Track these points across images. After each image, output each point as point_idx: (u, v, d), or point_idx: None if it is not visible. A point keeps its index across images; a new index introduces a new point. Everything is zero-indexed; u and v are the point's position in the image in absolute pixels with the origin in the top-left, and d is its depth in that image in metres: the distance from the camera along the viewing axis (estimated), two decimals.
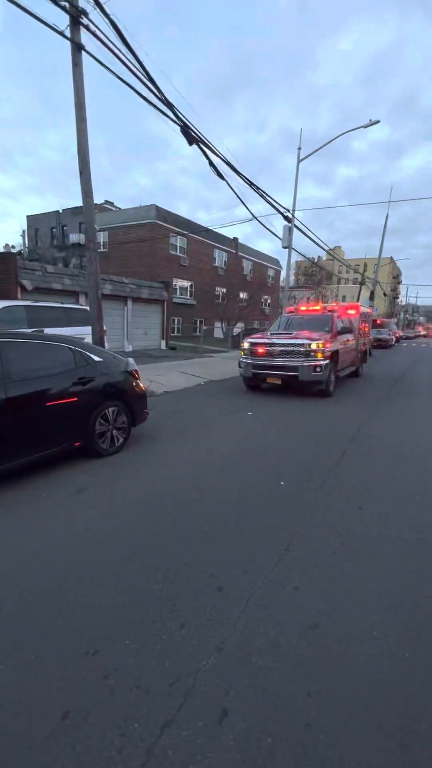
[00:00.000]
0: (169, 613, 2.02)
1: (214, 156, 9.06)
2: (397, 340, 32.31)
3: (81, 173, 6.87)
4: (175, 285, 24.78)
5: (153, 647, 1.81)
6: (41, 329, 8.49)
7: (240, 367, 8.68)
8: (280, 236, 15.02)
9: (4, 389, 3.44)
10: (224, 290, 28.72)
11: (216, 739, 1.41)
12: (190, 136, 8.28)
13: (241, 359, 8.62)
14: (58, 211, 30.67)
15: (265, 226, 14.83)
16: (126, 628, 1.92)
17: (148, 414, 5.11)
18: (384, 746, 1.40)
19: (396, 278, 72.08)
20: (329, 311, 9.56)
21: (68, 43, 6.27)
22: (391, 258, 53.19)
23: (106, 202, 33.60)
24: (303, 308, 10.38)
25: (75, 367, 4.15)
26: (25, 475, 3.76)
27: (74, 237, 27.96)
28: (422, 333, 55.89)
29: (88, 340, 7.05)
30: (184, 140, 8.36)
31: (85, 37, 6.33)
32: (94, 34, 6.17)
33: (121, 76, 6.55)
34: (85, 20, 6.15)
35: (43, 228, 31.33)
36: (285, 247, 15.09)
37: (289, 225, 14.65)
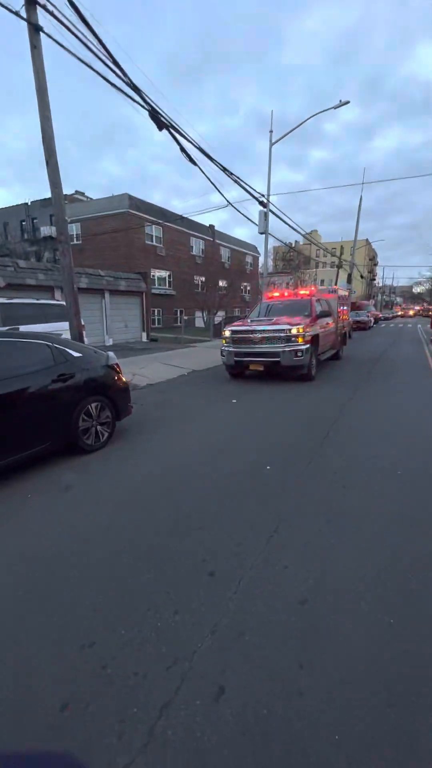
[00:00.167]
0: (163, 601, 2.05)
1: (186, 142, 8.89)
2: (376, 321, 32.89)
3: (47, 162, 6.63)
4: (153, 275, 24.42)
5: (148, 635, 1.84)
6: (16, 327, 8.27)
7: (222, 355, 8.69)
8: (257, 222, 14.94)
9: None
10: (203, 279, 28.51)
11: (214, 715, 1.47)
12: (160, 120, 8.07)
13: (223, 347, 8.62)
14: (27, 204, 29.51)
15: (240, 212, 14.74)
16: (121, 619, 1.94)
17: (132, 407, 5.08)
18: (372, 705, 1.48)
19: (372, 260, 73.00)
20: (308, 296, 9.63)
21: (25, 23, 5.97)
22: (367, 240, 53.70)
23: (77, 192, 32.55)
24: (279, 294, 10.41)
25: (54, 364, 4.07)
26: (11, 475, 3.70)
27: (45, 230, 27.04)
28: (399, 313, 57.06)
29: (67, 335, 6.92)
30: (153, 126, 8.16)
31: (43, 19, 6.04)
32: (52, 14, 5.89)
33: (83, 59, 6.29)
34: None
35: (13, 222, 30.15)
36: (261, 233, 15.04)
37: (265, 210, 14.57)
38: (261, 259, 33.80)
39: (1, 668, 1.70)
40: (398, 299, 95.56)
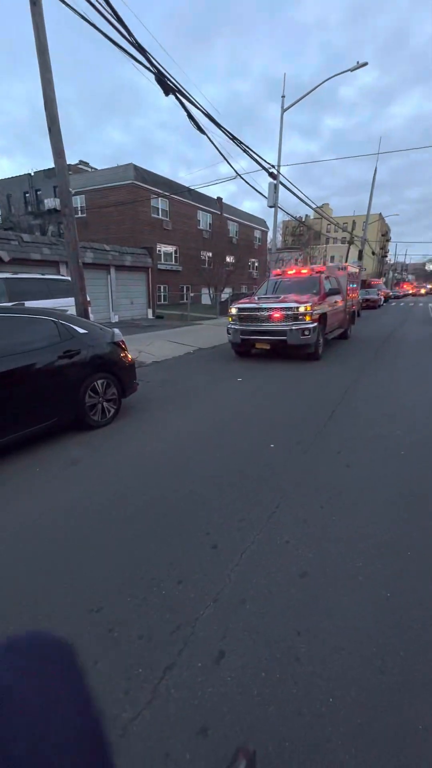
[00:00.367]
0: (167, 571, 2.13)
1: (194, 108, 8.50)
2: (386, 299, 32.23)
3: (50, 129, 6.40)
4: (160, 251, 23.96)
5: (153, 602, 1.93)
6: (22, 302, 8.25)
7: (228, 333, 8.62)
8: (266, 195, 14.45)
9: None
10: (210, 254, 27.92)
11: (214, 676, 1.55)
12: (166, 85, 7.70)
13: (230, 325, 8.54)
14: (30, 174, 28.74)
15: (249, 184, 14.26)
16: (127, 587, 2.03)
17: (138, 385, 5.11)
18: (365, 671, 1.55)
19: (384, 236, 70.66)
20: (317, 273, 9.42)
21: None
22: (380, 215, 51.76)
23: (81, 162, 31.56)
24: (291, 271, 10.19)
25: (60, 340, 4.08)
26: (19, 450, 3.80)
27: (50, 202, 26.41)
28: (410, 292, 55.71)
29: (72, 311, 6.89)
30: (160, 91, 7.78)
31: None
32: None
33: (85, 16, 5.95)
34: None
35: (16, 193, 29.48)
36: (271, 206, 14.56)
37: (275, 182, 14.05)
38: (270, 234, 32.91)
39: (13, 626, 1.80)
40: (410, 277, 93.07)
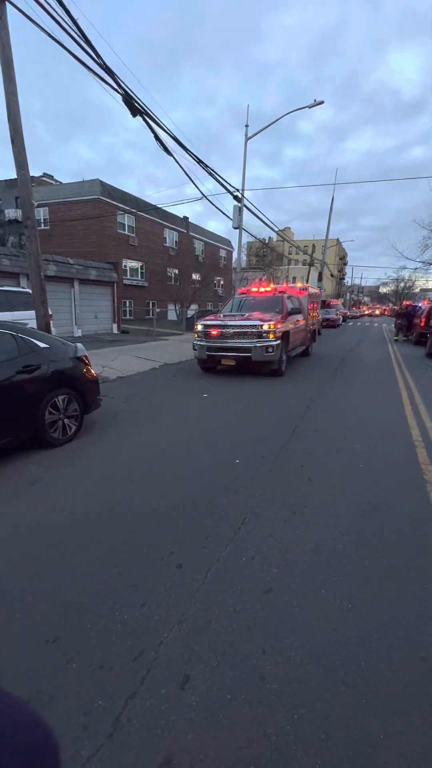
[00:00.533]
0: (130, 594, 2.06)
1: (161, 130, 8.72)
2: (344, 319, 33.93)
3: (13, 141, 6.30)
4: (125, 266, 23.85)
5: (114, 628, 1.84)
6: None
7: (195, 349, 8.68)
8: (231, 216, 14.93)
9: None
10: (176, 271, 28.17)
11: (179, 702, 1.50)
12: (134, 106, 7.87)
13: (196, 341, 8.61)
14: None
15: (215, 206, 14.67)
16: (86, 613, 1.93)
17: (101, 400, 4.99)
18: (329, 685, 1.57)
19: (342, 259, 74.92)
20: (279, 293, 9.78)
21: None
22: (338, 240, 55.02)
23: (45, 175, 31.09)
24: (255, 290, 10.52)
25: (18, 355, 3.92)
26: None
27: (11, 212, 25.62)
28: (366, 312, 59.16)
29: (33, 325, 6.66)
30: (127, 111, 7.93)
31: None
32: None
33: (53, 35, 6.01)
34: None
35: None
36: (236, 228, 15.06)
37: (239, 205, 14.59)
38: (234, 254, 33.89)
39: None
40: (366, 298, 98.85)
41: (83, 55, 6.57)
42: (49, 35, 5.97)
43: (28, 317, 7.76)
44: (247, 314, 8.57)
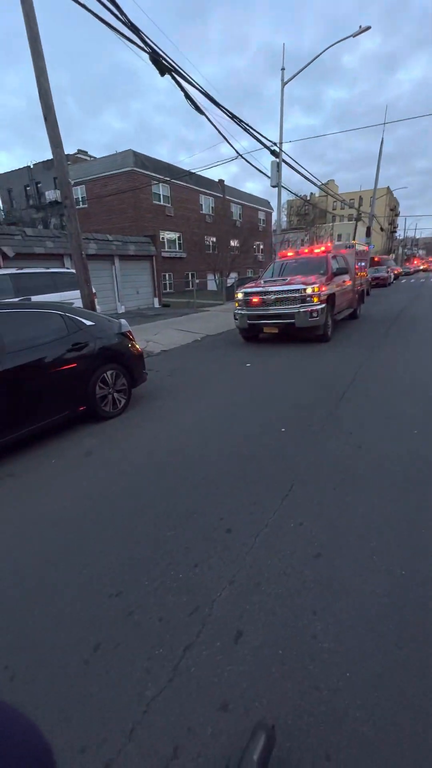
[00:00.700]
0: (183, 556, 2.17)
1: (191, 88, 8.26)
2: (396, 276, 31.45)
3: (46, 119, 6.31)
4: (163, 238, 23.69)
5: (170, 585, 1.97)
6: (28, 297, 8.29)
7: (235, 318, 8.56)
8: (269, 174, 14.08)
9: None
10: (214, 239, 27.50)
11: (233, 655, 1.59)
12: (162, 65, 7.48)
13: (236, 311, 8.47)
14: (29, 167, 28.51)
15: (251, 164, 13.89)
16: (144, 572, 2.08)
17: (146, 374, 5.13)
18: (380, 646, 1.57)
19: (393, 210, 68.47)
20: (324, 252, 9.21)
21: None
22: (388, 188, 50.03)
23: (79, 151, 31.15)
24: (293, 252, 9.98)
25: (68, 333, 4.11)
26: (34, 443, 3.88)
27: (50, 194, 26.23)
28: (421, 267, 54.17)
29: (78, 304, 6.91)
30: (156, 71, 7.57)
31: None
32: None
33: None
34: None
35: (17, 187, 29.33)
36: (274, 186, 14.21)
37: (277, 161, 13.67)
38: (274, 215, 32.18)
39: (38, 615, 1.87)
40: (421, 252, 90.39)
41: (107, 15, 6.29)
42: None
43: (74, 297, 8.05)
44: (288, 278, 8.21)
